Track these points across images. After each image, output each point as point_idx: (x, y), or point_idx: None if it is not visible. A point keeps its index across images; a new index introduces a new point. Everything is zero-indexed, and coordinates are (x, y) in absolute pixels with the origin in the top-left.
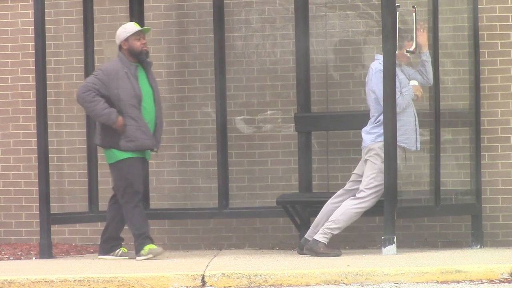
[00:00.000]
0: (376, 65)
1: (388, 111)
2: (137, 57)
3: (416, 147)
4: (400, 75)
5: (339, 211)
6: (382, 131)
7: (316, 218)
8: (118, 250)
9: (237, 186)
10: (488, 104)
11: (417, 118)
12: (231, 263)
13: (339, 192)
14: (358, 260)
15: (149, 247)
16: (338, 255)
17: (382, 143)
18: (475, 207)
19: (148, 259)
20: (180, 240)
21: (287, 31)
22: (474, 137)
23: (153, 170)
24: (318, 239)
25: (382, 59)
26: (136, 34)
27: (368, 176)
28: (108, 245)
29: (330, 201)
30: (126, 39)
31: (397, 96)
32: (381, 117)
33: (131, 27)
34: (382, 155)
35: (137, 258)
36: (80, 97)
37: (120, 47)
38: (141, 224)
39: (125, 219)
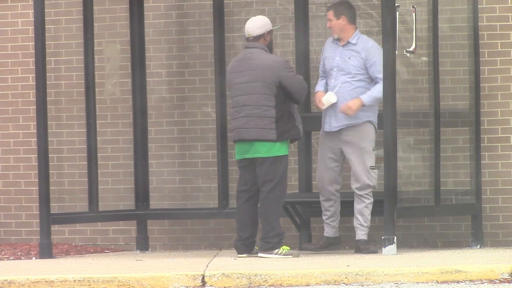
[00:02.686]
0: None
1: (388, 111)
2: (270, 51)
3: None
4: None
5: None
6: None
7: None
8: (255, 249)
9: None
10: (488, 104)
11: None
12: (231, 263)
13: None
14: (358, 260)
15: (287, 248)
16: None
17: None
18: (475, 207)
19: (285, 257)
20: (180, 240)
21: (287, 31)
22: (474, 137)
23: (153, 170)
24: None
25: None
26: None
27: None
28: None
29: None
30: (270, 32)
31: None
32: None
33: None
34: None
35: (267, 255)
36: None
37: (260, 37)
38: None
39: (269, 213)
